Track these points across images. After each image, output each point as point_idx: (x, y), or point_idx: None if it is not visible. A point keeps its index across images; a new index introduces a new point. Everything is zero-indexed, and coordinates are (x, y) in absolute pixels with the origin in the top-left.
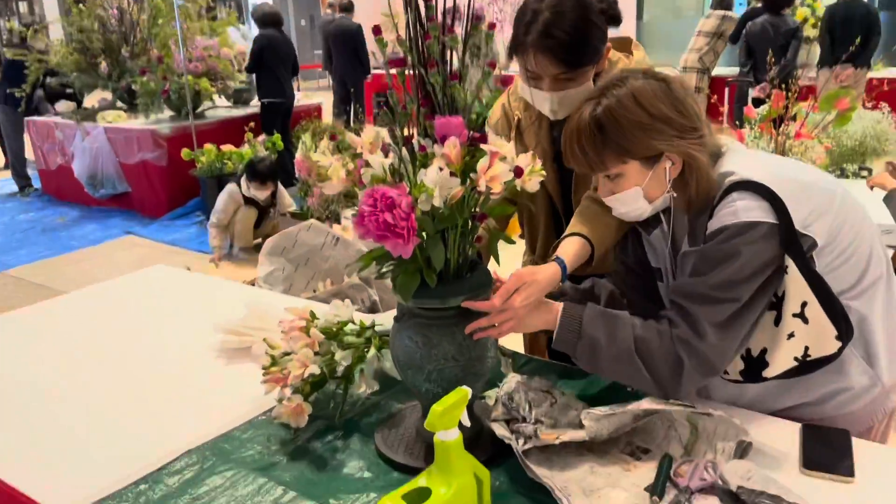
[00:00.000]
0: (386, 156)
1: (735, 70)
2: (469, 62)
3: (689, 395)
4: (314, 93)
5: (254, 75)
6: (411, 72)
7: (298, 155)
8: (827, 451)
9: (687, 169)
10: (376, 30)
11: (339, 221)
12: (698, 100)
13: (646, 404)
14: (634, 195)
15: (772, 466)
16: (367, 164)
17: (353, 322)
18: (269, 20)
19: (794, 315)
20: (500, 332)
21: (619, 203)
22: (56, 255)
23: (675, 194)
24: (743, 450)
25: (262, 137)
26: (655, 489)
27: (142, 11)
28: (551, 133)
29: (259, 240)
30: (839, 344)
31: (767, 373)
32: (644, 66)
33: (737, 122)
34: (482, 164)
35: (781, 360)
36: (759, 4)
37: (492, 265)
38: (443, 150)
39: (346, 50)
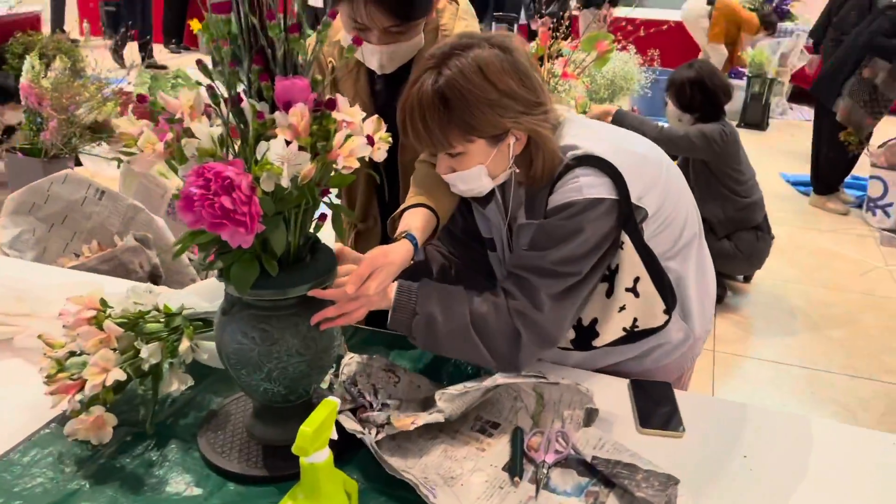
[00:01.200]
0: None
1: None
2: (304, 13)
3: (525, 367)
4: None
5: None
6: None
7: (24, 80)
8: (657, 407)
9: (532, 145)
10: None
11: (79, 163)
12: None
13: (501, 379)
14: (477, 173)
15: (612, 428)
16: (190, 134)
17: (157, 308)
18: None
19: (627, 289)
20: (350, 319)
21: (459, 181)
22: None
23: (517, 170)
24: (589, 416)
25: None
26: (514, 469)
27: None
28: (370, 85)
29: None
30: (666, 317)
31: (597, 342)
32: (470, 14)
33: None
34: (338, 137)
35: (611, 330)
36: None
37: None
38: (288, 119)
39: None
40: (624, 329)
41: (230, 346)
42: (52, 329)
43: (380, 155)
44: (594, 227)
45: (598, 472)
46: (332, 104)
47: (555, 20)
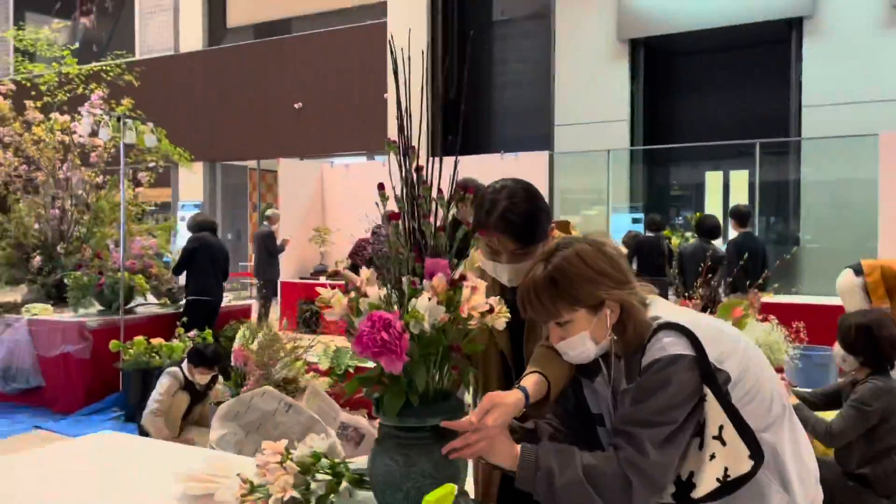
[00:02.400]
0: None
1: None
2: (450, 217)
3: None
4: (243, 301)
5: (184, 273)
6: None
7: (236, 344)
8: None
9: (624, 314)
10: (381, 186)
11: None
12: None
13: None
14: (582, 339)
15: None
16: (365, 296)
17: (326, 457)
18: (204, 225)
19: (714, 437)
20: (473, 452)
21: (569, 347)
22: None
23: (615, 337)
24: None
25: (193, 332)
26: None
27: (83, 213)
28: (503, 297)
29: (189, 433)
30: (752, 462)
31: (695, 493)
32: None
33: None
34: (465, 294)
35: (706, 480)
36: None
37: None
38: (432, 283)
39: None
40: (717, 479)
41: (380, 469)
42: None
43: (500, 323)
44: (679, 378)
45: None
46: (463, 278)
47: (703, 303)
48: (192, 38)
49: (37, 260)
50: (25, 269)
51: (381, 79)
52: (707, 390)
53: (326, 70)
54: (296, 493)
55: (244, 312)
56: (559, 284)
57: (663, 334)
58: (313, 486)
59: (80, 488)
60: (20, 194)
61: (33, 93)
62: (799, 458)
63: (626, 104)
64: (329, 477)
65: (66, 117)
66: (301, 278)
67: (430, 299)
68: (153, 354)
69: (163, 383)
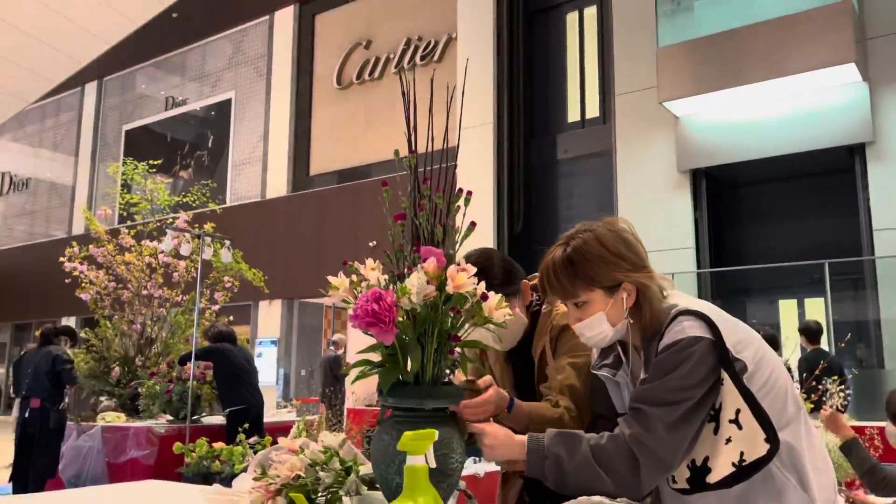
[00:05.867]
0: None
1: None
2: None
3: (646, 490)
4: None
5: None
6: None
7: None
8: None
9: (641, 297)
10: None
11: None
12: None
13: None
14: (599, 320)
15: None
16: (366, 281)
17: (337, 454)
18: (222, 337)
19: (730, 421)
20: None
21: (586, 328)
22: None
23: (631, 321)
24: None
25: (254, 439)
26: None
27: (161, 329)
28: (510, 364)
29: None
30: (768, 446)
31: (710, 478)
32: None
33: None
34: (451, 269)
35: (722, 465)
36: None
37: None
38: (424, 265)
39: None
40: (733, 464)
41: (377, 445)
42: None
43: (497, 316)
44: (697, 359)
45: None
46: (451, 259)
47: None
48: (278, 186)
49: (116, 371)
50: (105, 381)
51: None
52: (724, 374)
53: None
54: (303, 473)
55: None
56: (576, 265)
57: (683, 318)
58: (322, 475)
59: None
60: (108, 310)
61: (128, 221)
62: (816, 461)
63: (690, 233)
64: (339, 469)
65: (155, 243)
66: (367, 405)
67: (420, 279)
68: (214, 459)
69: None
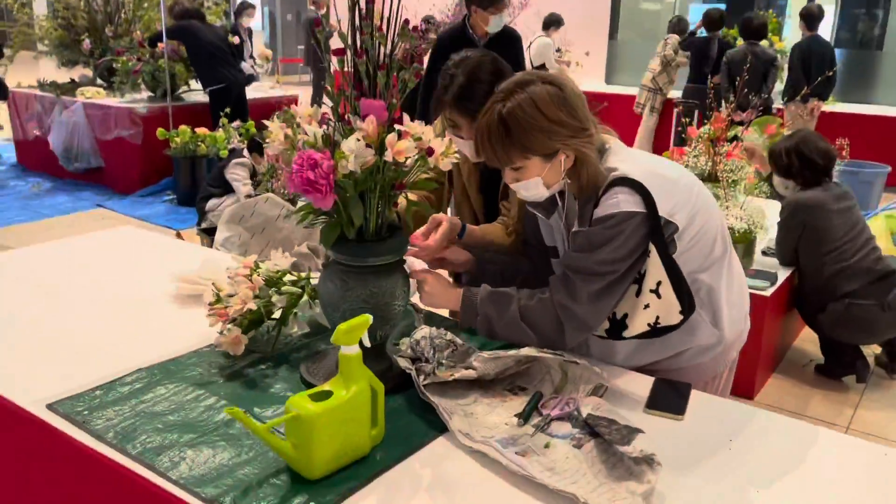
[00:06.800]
0: (321, 127)
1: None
2: (393, 57)
3: (570, 347)
4: (296, 87)
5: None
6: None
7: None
8: (668, 397)
9: (578, 163)
10: (316, 22)
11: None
12: (652, 118)
13: (525, 351)
14: (535, 183)
15: (622, 405)
16: (303, 132)
17: (292, 273)
18: (188, 13)
19: (651, 291)
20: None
21: (522, 189)
22: (27, 221)
23: (568, 181)
24: (596, 390)
25: (237, 123)
26: (523, 414)
27: None
28: (477, 168)
29: None
30: (681, 317)
31: (626, 333)
32: None
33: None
34: (391, 137)
35: (638, 324)
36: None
37: None
38: (362, 125)
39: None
40: (648, 325)
41: (324, 289)
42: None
43: (444, 165)
44: (628, 235)
45: (588, 426)
46: (398, 120)
47: (759, 110)
48: None
49: (87, 43)
50: (78, 52)
51: None
52: (652, 247)
53: None
54: (253, 305)
55: (292, 102)
56: (511, 132)
57: (618, 189)
58: (275, 298)
59: (85, 279)
60: None
61: None
62: (733, 297)
63: None
64: (293, 290)
65: None
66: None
67: (358, 140)
68: (198, 143)
69: (239, 172)
